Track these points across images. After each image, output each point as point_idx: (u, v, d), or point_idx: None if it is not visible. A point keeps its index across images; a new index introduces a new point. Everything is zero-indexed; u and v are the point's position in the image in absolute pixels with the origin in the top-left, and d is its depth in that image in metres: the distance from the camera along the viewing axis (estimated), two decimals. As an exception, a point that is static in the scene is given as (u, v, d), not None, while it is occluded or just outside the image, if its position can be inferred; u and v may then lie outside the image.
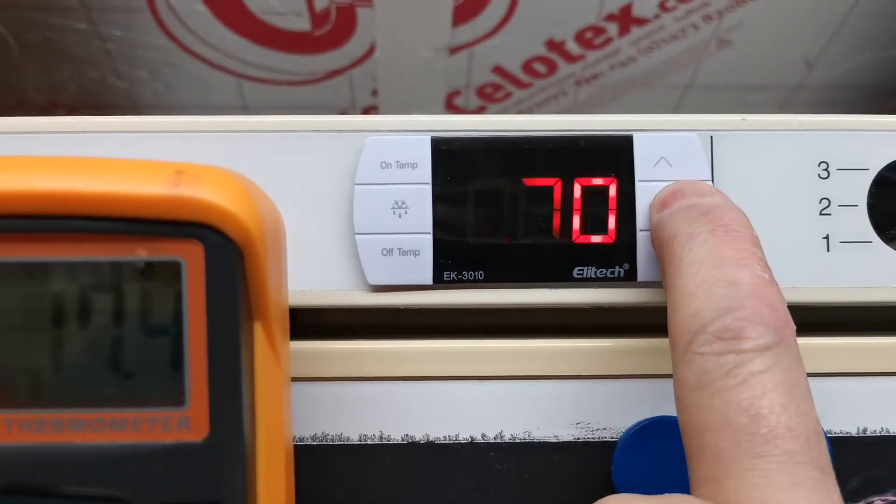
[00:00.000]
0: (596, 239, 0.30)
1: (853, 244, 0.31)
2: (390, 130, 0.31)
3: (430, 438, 0.30)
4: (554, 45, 0.58)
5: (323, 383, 0.30)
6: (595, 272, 0.30)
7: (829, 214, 0.31)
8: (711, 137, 0.31)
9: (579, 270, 0.30)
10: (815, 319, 0.30)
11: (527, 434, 0.30)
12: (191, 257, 0.23)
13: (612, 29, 0.57)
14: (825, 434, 0.26)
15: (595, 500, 0.24)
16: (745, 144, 0.31)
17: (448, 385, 0.30)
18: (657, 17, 0.56)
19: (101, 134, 0.31)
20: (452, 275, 0.30)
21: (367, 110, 0.62)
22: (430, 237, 0.30)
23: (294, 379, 0.29)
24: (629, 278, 0.30)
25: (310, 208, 0.30)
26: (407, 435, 0.30)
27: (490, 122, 0.31)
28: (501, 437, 0.30)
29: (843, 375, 0.31)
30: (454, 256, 0.30)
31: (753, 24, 0.57)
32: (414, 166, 0.30)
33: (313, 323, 0.32)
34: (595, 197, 0.30)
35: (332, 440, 0.30)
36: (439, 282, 0.30)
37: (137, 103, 0.60)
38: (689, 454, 0.24)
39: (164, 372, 0.23)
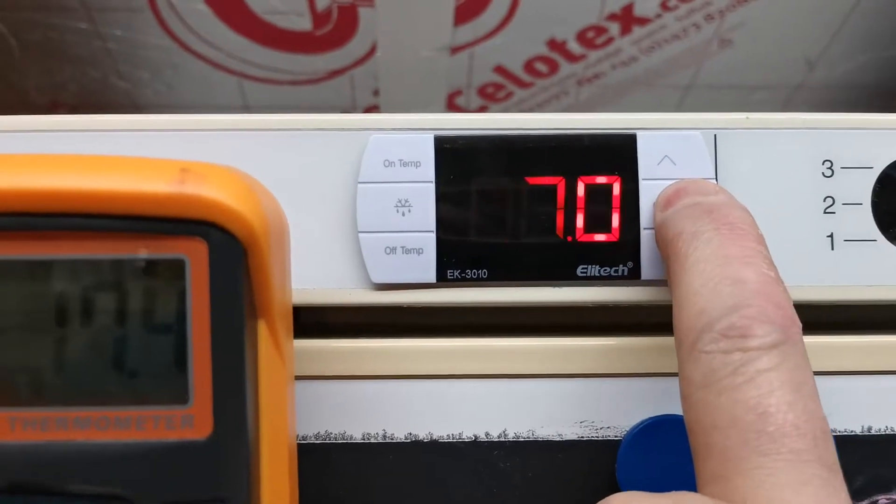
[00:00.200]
0: (599, 237, 0.30)
1: (857, 242, 0.30)
2: (394, 129, 0.30)
3: (434, 437, 0.30)
4: (555, 45, 0.58)
5: (326, 382, 0.30)
6: (599, 271, 0.30)
7: (833, 213, 0.31)
8: (715, 136, 0.31)
9: (583, 269, 0.30)
10: (818, 318, 0.30)
11: (530, 433, 0.30)
12: (195, 255, 0.23)
13: (614, 28, 0.57)
14: (830, 433, 0.26)
15: (599, 499, 0.24)
16: (749, 143, 0.31)
17: (451, 384, 0.30)
18: (659, 16, 0.56)
19: (103, 133, 0.30)
20: (456, 273, 0.30)
21: (369, 110, 0.62)
22: (433, 235, 0.30)
23: (297, 377, 0.29)
24: (633, 277, 0.30)
25: (313, 207, 0.30)
26: (410, 433, 0.30)
27: (493, 120, 0.31)
28: (505, 435, 0.30)
29: (848, 374, 0.31)
30: (457, 255, 0.30)
31: (755, 24, 0.57)
32: (417, 165, 0.30)
33: (316, 321, 0.32)
34: (599, 195, 0.30)
35: (336, 439, 0.30)
36: (443, 280, 0.30)
37: (139, 103, 0.60)
38: (696, 452, 0.24)
39: (167, 370, 0.23)
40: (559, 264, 0.30)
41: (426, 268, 0.30)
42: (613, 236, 0.30)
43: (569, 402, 0.30)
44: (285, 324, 0.25)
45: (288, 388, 0.25)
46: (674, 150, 0.30)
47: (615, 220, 0.30)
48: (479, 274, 0.30)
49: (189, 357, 0.23)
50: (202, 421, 0.23)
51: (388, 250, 0.30)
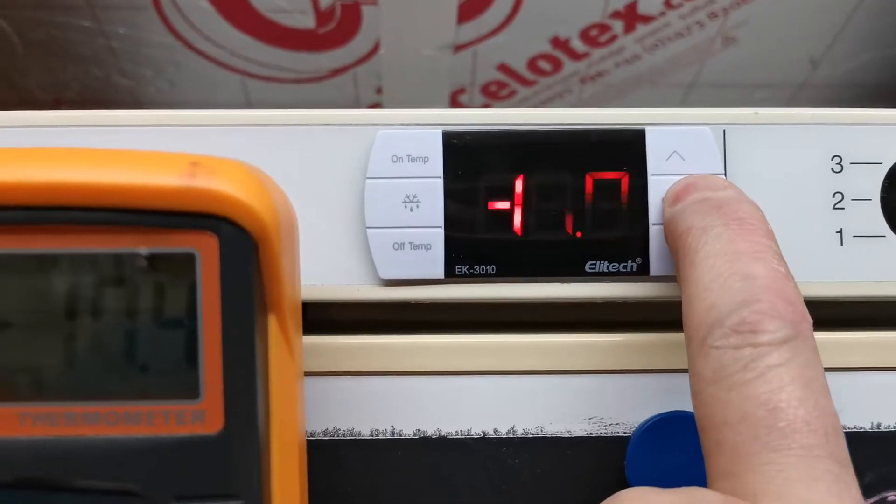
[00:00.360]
0: (608, 233, 0.30)
1: (867, 238, 0.30)
2: (401, 124, 0.30)
3: (442, 433, 0.30)
4: (559, 43, 0.58)
5: (334, 378, 0.30)
6: (607, 266, 0.30)
7: (843, 208, 0.31)
8: (724, 131, 0.31)
9: (591, 265, 0.30)
10: (828, 314, 0.30)
11: (539, 429, 0.30)
12: (205, 249, 0.23)
13: (618, 26, 0.57)
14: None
15: (608, 495, 0.24)
16: (758, 138, 0.31)
17: (460, 380, 0.30)
18: (662, 14, 0.56)
19: (107, 128, 0.30)
20: (464, 269, 0.30)
21: (372, 108, 0.62)
22: (441, 231, 0.30)
23: (305, 373, 0.28)
24: (641, 273, 0.30)
25: (321, 202, 0.30)
26: (419, 430, 0.30)
27: (501, 115, 0.31)
28: (514, 432, 0.30)
29: (857, 370, 0.31)
30: (466, 251, 0.30)
31: (759, 22, 0.57)
32: (425, 160, 0.30)
33: (324, 317, 0.32)
34: (607, 191, 0.30)
35: (344, 435, 0.30)
36: (451, 276, 0.30)
37: (142, 101, 0.60)
38: (707, 448, 0.24)
39: (178, 365, 0.23)
40: (567, 260, 0.30)
41: (434, 263, 0.30)
42: (622, 232, 0.30)
43: (578, 398, 0.30)
44: (295, 319, 0.25)
45: (298, 384, 0.25)
46: (683, 145, 0.30)
47: (624, 216, 0.30)
48: (487, 270, 0.30)
49: (200, 352, 0.23)
50: (213, 416, 0.23)
51: (396, 246, 0.30)
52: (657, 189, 0.30)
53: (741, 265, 0.25)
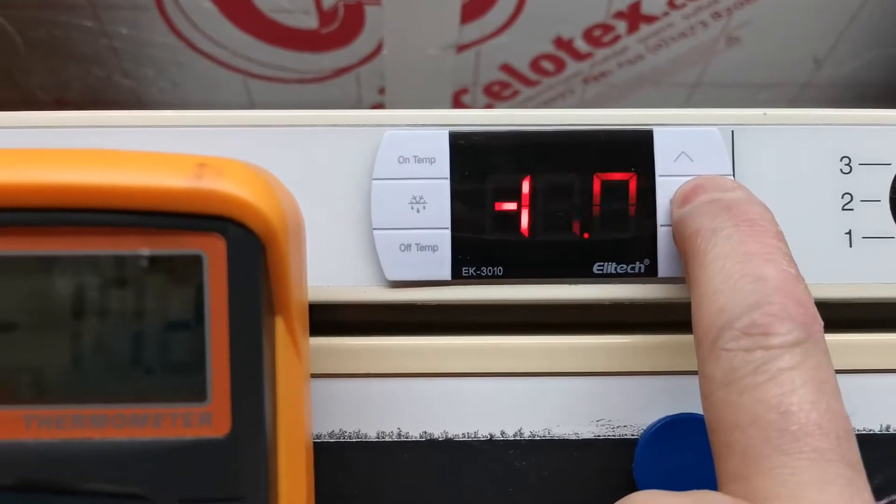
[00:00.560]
0: (616, 234, 0.30)
1: (876, 239, 0.30)
2: (408, 125, 0.30)
3: (449, 436, 0.30)
4: (562, 43, 0.57)
5: (340, 380, 0.30)
6: (615, 268, 0.30)
7: (852, 209, 0.30)
8: (732, 132, 0.30)
9: (599, 266, 0.30)
10: (837, 316, 0.29)
11: (547, 431, 0.30)
12: (213, 251, 0.22)
13: (621, 26, 0.56)
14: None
15: (616, 498, 0.24)
16: (767, 139, 0.30)
17: (467, 382, 0.30)
18: (666, 14, 0.55)
19: (110, 129, 0.30)
20: (471, 270, 0.30)
21: (375, 108, 0.61)
22: (448, 232, 0.30)
23: (312, 375, 0.28)
24: (650, 274, 0.30)
25: (327, 203, 0.30)
26: (425, 432, 0.30)
27: (508, 116, 0.30)
28: (521, 434, 0.30)
29: (866, 372, 0.30)
30: (473, 252, 0.30)
31: (762, 22, 0.56)
32: (432, 161, 0.30)
33: (331, 319, 0.32)
34: (615, 192, 0.30)
35: (350, 437, 0.30)
36: (458, 277, 0.30)
37: (144, 102, 0.59)
38: (717, 451, 0.24)
39: (185, 367, 0.23)
40: (575, 261, 0.30)
41: (441, 265, 0.30)
42: (630, 233, 0.30)
43: (585, 400, 0.30)
44: (302, 321, 0.25)
45: (305, 386, 0.25)
46: (691, 146, 0.30)
47: (632, 217, 0.30)
48: (494, 271, 0.30)
49: (207, 354, 0.22)
50: (220, 419, 0.22)
51: (402, 247, 0.30)
52: (665, 190, 0.30)
53: (752, 267, 0.25)
